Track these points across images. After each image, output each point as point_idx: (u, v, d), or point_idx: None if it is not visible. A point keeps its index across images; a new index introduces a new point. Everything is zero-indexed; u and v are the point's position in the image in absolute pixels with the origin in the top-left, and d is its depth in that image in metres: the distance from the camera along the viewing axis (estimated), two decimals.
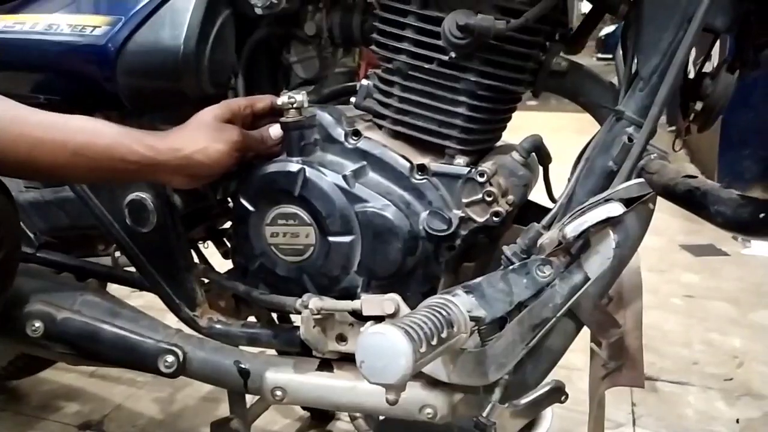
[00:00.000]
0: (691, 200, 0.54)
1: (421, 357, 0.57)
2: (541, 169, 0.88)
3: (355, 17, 0.87)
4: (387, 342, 0.56)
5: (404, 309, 0.75)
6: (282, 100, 0.79)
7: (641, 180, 0.58)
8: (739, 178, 2.82)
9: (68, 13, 0.84)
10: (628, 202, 0.56)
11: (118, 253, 1.01)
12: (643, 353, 1.43)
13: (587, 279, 0.60)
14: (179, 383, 1.47)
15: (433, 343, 0.59)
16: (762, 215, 0.48)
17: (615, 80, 0.83)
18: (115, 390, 1.50)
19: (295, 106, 0.79)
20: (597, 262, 0.59)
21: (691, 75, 0.82)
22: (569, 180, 0.81)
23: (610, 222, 0.57)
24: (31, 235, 0.99)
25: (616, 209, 0.56)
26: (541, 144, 0.83)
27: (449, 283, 0.86)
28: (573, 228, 0.58)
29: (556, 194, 0.84)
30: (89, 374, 1.55)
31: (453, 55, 0.75)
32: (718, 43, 0.80)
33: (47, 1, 0.86)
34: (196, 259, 0.97)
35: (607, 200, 0.57)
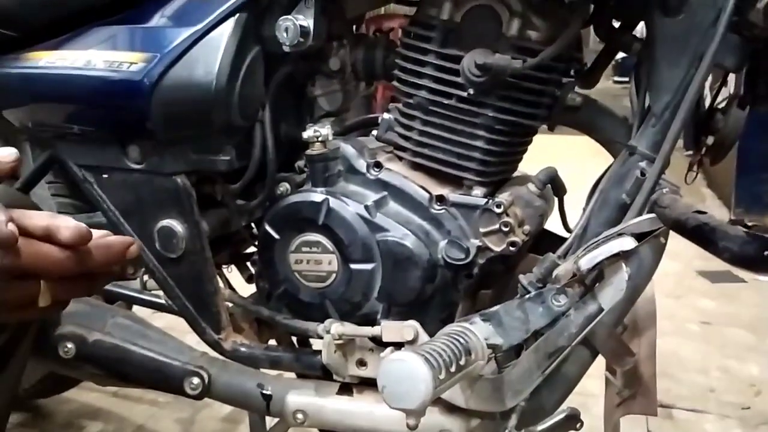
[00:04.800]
0: (700, 235, 0.56)
1: (440, 383, 0.59)
2: (556, 199, 0.90)
3: (378, 54, 0.91)
4: (408, 368, 0.58)
5: (423, 335, 0.78)
6: (308, 133, 0.83)
7: (652, 215, 0.61)
8: (756, 203, 2.82)
9: (105, 49, 0.88)
10: (640, 237, 0.59)
11: (146, 277, 1.05)
12: (659, 380, 1.43)
13: (601, 310, 0.63)
14: (200, 404, 1.50)
15: (452, 369, 0.62)
16: (767, 252, 0.50)
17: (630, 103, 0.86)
18: (137, 410, 1.53)
19: (320, 139, 0.83)
20: (610, 294, 0.62)
21: (708, 100, 0.84)
22: (584, 211, 0.83)
23: (622, 255, 0.60)
24: None
25: (628, 243, 0.58)
26: (556, 176, 0.86)
27: (467, 310, 0.89)
28: (587, 261, 0.60)
29: (571, 224, 0.86)
30: (112, 394, 1.58)
31: (471, 91, 0.79)
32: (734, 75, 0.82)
33: (85, 37, 0.91)
34: (221, 284, 1.01)
35: (619, 234, 0.59)
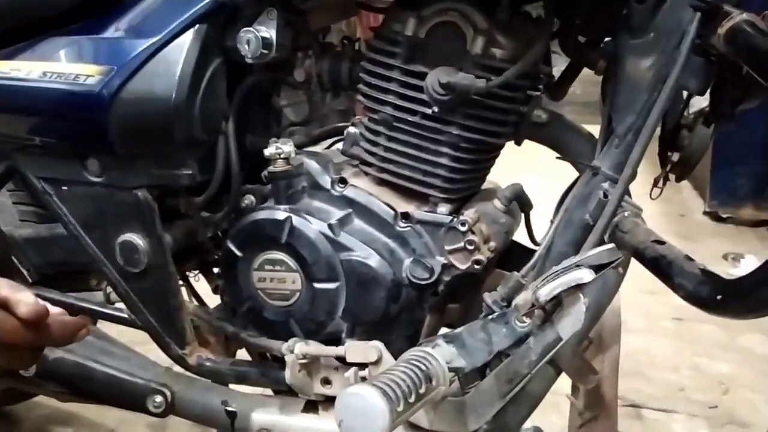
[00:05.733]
0: (657, 267, 0.56)
1: (398, 416, 0.59)
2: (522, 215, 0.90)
3: (344, 64, 0.89)
4: (365, 402, 0.58)
5: (387, 356, 0.77)
6: (270, 150, 0.81)
7: (611, 246, 0.60)
8: (731, 196, 2.84)
9: (62, 61, 0.86)
10: (598, 268, 0.59)
11: (109, 289, 1.03)
12: (631, 378, 1.44)
13: (560, 339, 0.63)
14: None
15: (411, 400, 0.61)
16: (719, 297, 0.50)
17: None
18: (109, 414, 1.51)
19: (282, 156, 0.81)
20: (569, 324, 0.61)
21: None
22: (550, 226, 0.83)
23: (580, 287, 0.60)
24: (25, 272, 1.01)
25: (585, 276, 0.58)
26: (522, 192, 0.85)
27: (435, 324, 0.88)
28: (545, 293, 0.60)
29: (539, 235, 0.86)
30: None
31: (436, 109, 0.78)
32: None
33: (41, 48, 0.88)
34: (186, 297, 0.99)
35: (577, 266, 0.59)
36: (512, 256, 0.92)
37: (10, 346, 0.46)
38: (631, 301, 1.60)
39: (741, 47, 0.59)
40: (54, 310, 0.48)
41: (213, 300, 1.02)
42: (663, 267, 0.55)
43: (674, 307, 2.07)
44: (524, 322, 0.71)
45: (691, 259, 0.54)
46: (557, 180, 0.87)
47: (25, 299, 0.45)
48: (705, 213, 2.86)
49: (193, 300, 1.03)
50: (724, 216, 2.80)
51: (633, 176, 0.68)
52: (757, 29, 0.59)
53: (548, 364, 0.74)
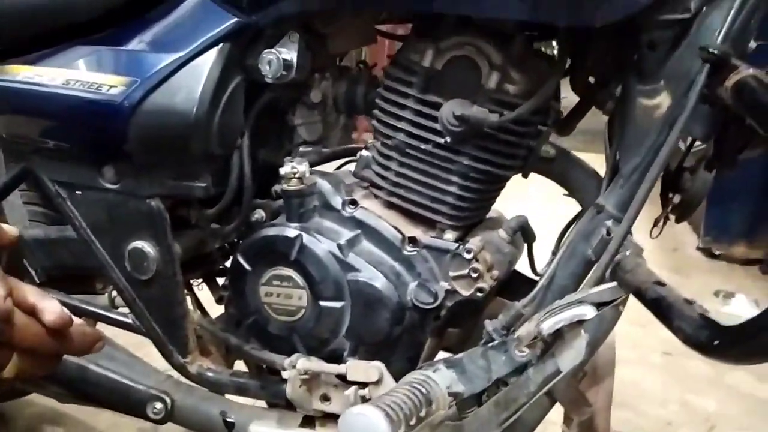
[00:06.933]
0: (657, 309, 0.58)
1: None
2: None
3: (360, 88, 0.92)
4: (368, 423, 0.59)
5: (387, 377, 0.79)
6: (285, 169, 0.83)
7: (614, 284, 0.62)
8: (724, 233, 2.87)
9: (86, 70, 0.88)
10: (600, 305, 0.61)
11: (114, 293, 1.04)
12: (621, 410, 1.45)
13: (559, 372, 0.65)
14: None
15: (412, 423, 0.63)
16: (716, 342, 0.52)
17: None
18: (100, 417, 1.51)
19: (297, 175, 0.83)
20: (569, 357, 0.64)
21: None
22: (551, 258, 0.85)
23: (581, 323, 0.62)
24: (33, 272, 1.02)
25: (588, 312, 0.60)
26: (527, 224, 0.88)
27: (434, 347, 0.90)
28: (548, 326, 0.62)
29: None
30: None
31: (448, 139, 0.80)
32: None
33: (66, 55, 0.90)
34: (190, 306, 1.00)
35: (580, 302, 0.61)
36: (512, 284, 0.94)
37: (32, 352, 0.48)
38: (620, 333, 1.62)
39: (747, 101, 0.62)
40: (76, 320, 0.50)
41: (214, 309, 1.04)
42: (663, 309, 0.57)
43: (663, 340, 2.09)
44: (523, 352, 0.74)
45: (690, 303, 0.57)
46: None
47: (51, 307, 0.48)
48: (698, 249, 2.89)
49: (197, 309, 1.04)
50: (717, 253, 2.83)
51: (636, 216, 0.70)
52: (763, 85, 0.62)
53: (544, 394, 0.76)
